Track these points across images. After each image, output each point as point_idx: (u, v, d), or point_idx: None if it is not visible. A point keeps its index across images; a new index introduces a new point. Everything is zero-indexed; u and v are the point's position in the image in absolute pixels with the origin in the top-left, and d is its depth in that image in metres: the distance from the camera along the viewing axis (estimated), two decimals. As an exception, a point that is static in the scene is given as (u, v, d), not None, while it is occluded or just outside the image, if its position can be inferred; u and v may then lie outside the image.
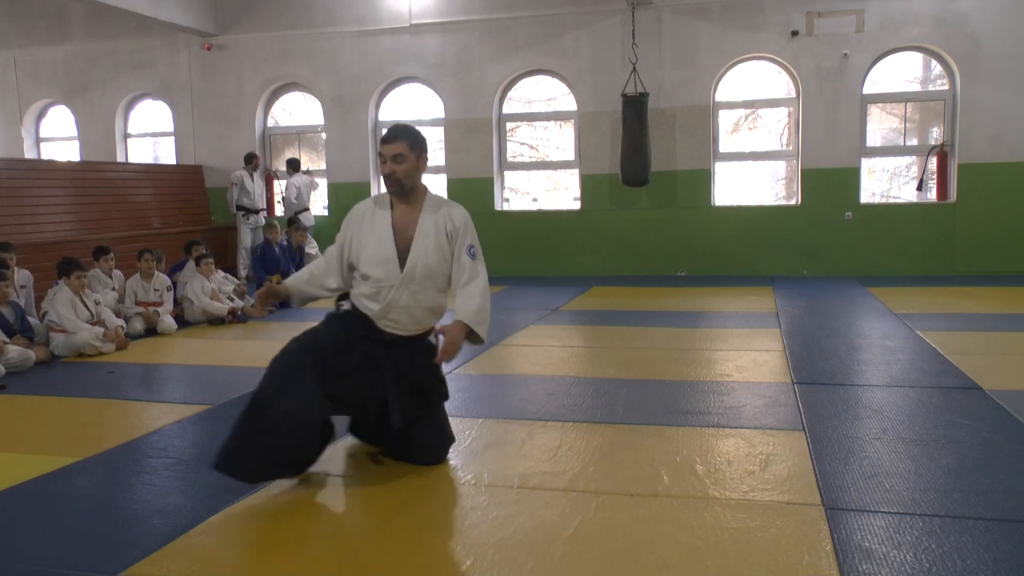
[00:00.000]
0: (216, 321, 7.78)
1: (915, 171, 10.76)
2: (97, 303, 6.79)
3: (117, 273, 7.80)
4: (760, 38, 10.45)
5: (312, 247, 10.86)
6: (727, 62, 10.63)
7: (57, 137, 13.35)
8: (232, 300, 8.12)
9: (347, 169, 11.89)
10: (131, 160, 12.86)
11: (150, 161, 13.05)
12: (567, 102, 11.38)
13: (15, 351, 5.91)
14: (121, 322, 6.92)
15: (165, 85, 12.42)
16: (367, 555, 2.79)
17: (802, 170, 10.55)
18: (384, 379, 3.46)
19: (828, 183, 10.45)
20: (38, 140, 13.38)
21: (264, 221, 11.33)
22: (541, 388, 5.02)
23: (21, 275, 7.11)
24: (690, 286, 9.92)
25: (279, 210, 12.00)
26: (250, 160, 11.18)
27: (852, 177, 10.45)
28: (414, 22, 11.35)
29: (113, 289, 7.63)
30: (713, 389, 4.89)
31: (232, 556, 2.83)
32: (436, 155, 11.92)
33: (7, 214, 8.68)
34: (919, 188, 10.51)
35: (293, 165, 11.43)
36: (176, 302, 7.87)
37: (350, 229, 3.70)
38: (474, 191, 11.48)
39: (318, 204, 12.12)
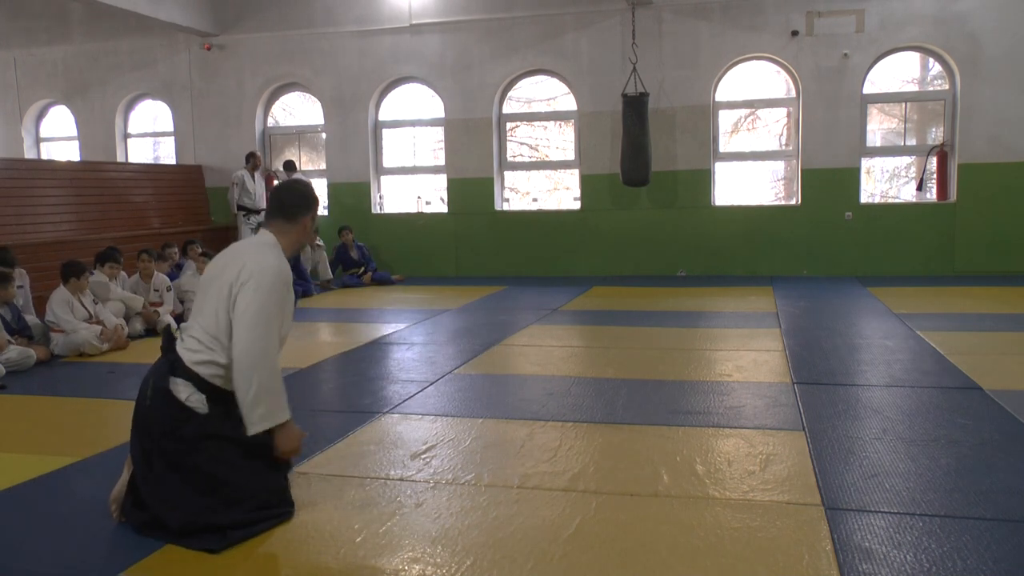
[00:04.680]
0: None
1: (915, 171, 10.76)
2: (95, 301, 6.80)
3: (123, 275, 7.77)
4: (760, 38, 10.45)
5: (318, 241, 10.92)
6: (727, 62, 10.63)
7: (57, 137, 13.35)
8: None
9: (347, 169, 11.89)
10: (131, 160, 12.86)
11: (150, 161, 13.05)
12: (567, 102, 11.37)
13: (15, 351, 5.91)
14: (121, 321, 6.92)
15: (165, 85, 12.42)
16: (367, 555, 2.78)
17: (802, 170, 10.55)
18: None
19: (828, 183, 10.45)
20: (38, 140, 13.38)
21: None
22: (541, 388, 5.02)
23: (17, 274, 7.10)
24: (690, 286, 9.92)
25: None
26: (250, 160, 11.18)
27: (852, 177, 10.44)
28: (414, 22, 11.35)
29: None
30: (713, 389, 4.89)
31: (232, 556, 2.82)
32: (436, 155, 11.94)
33: (7, 214, 8.67)
34: (919, 188, 10.51)
35: (290, 167, 11.44)
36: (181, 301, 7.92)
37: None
38: (474, 191, 11.49)
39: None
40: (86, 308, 6.63)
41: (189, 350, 3.06)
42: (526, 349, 6.32)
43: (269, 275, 3.07)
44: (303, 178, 3.29)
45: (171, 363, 3.06)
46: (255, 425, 3.04)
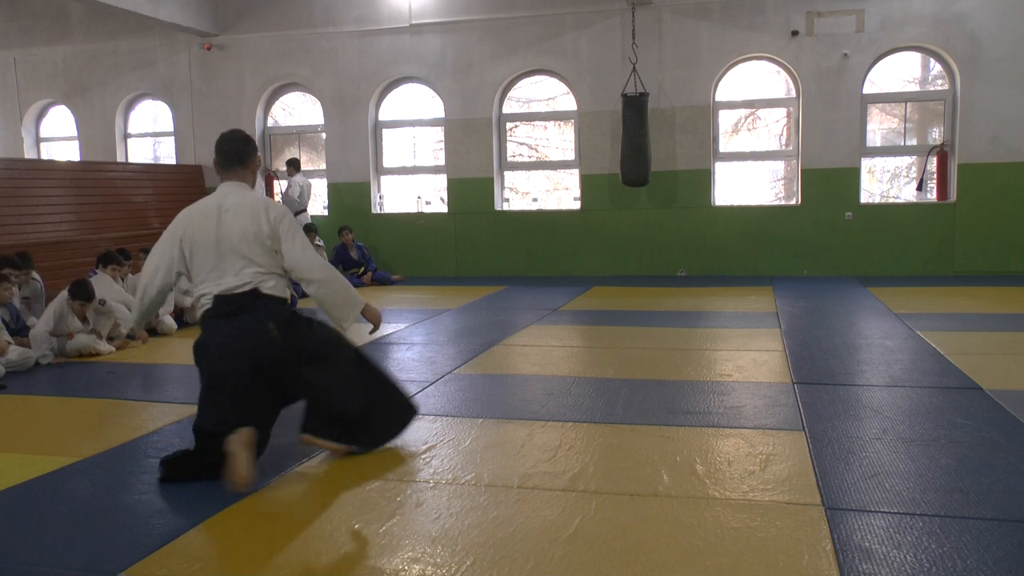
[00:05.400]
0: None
1: (915, 171, 10.76)
2: (102, 303, 6.69)
3: (132, 277, 7.71)
4: (760, 38, 10.45)
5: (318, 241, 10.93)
6: (727, 62, 10.63)
7: (57, 137, 13.35)
8: None
9: (347, 169, 11.89)
10: (131, 160, 12.86)
11: (150, 161, 13.05)
12: (567, 102, 11.38)
13: (15, 351, 5.90)
14: (127, 329, 6.78)
15: (165, 85, 12.42)
16: (367, 555, 2.79)
17: (802, 170, 10.55)
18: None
19: (828, 183, 10.45)
20: (38, 140, 13.38)
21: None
22: (541, 388, 5.02)
23: (31, 287, 7.09)
24: (690, 286, 9.92)
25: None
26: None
27: (852, 177, 10.45)
28: (414, 22, 11.35)
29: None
30: (713, 389, 4.89)
31: (232, 556, 2.82)
32: (436, 155, 11.94)
33: (7, 214, 8.68)
34: (919, 188, 10.51)
35: (294, 164, 11.45)
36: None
37: None
38: (474, 191, 11.49)
39: (318, 204, 12.13)
40: (86, 320, 6.55)
41: (275, 287, 3.58)
42: (526, 349, 6.32)
43: (287, 211, 3.70)
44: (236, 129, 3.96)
45: (275, 304, 3.56)
46: (350, 319, 3.75)
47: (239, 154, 3.70)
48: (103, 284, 7.06)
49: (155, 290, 3.67)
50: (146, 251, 7.75)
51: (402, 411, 3.93)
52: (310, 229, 10.83)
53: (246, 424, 3.41)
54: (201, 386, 3.59)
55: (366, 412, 3.73)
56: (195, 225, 3.55)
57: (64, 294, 6.47)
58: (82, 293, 6.43)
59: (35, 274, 7.25)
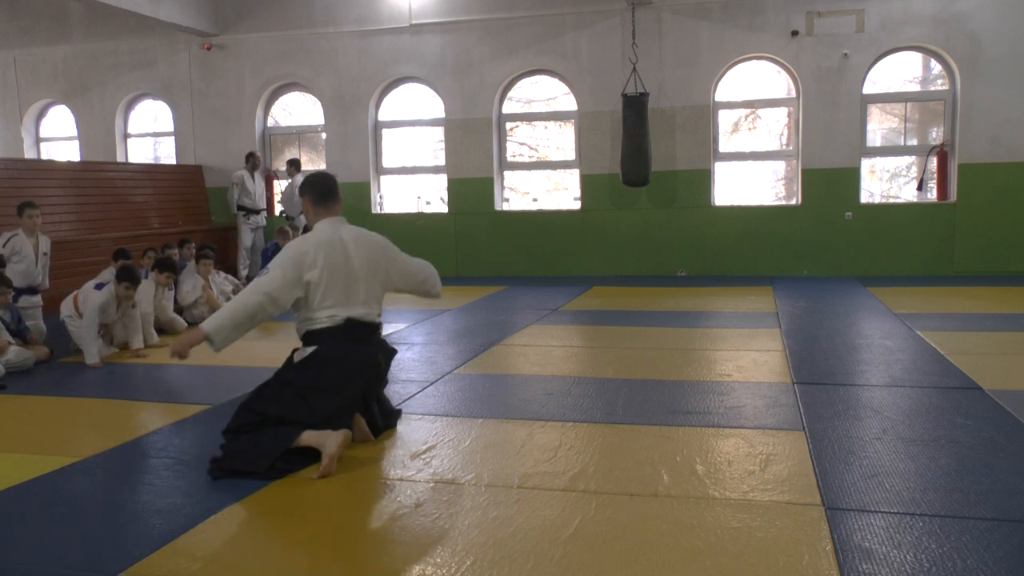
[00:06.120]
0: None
1: (915, 171, 10.76)
2: (133, 305, 6.53)
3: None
4: (760, 38, 10.45)
5: None
6: (727, 62, 10.63)
7: (57, 137, 13.35)
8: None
9: (347, 169, 11.88)
10: (131, 160, 12.86)
11: (150, 161, 13.05)
12: (567, 102, 11.37)
13: (13, 352, 5.89)
14: (140, 345, 6.55)
15: (165, 85, 12.42)
16: (367, 555, 2.79)
17: (802, 170, 10.56)
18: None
19: (828, 183, 10.45)
20: (38, 140, 13.38)
21: (264, 221, 11.37)
22: (541, 388, 5.02)
23: (43, 242, 7.16)
24: (690, 286, 9.92)
25: (279, 210, 11.97)
26: (250, 160, 11.18)
27: (852, 177, 10.45)
28: (414, 22, 11.35)
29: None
30: (713, 389, 4.89)
31: (232, 556, 2.82)
32: (436, 155, 11.94)
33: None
34: (919, 188, 10.51)
35: (295, 164, 11.44)
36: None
37: None
38: (474, 191, 11.49)
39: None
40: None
41: (381, 324, 4.07)
42: (526, 349, 6.32)
43: (385, 238, 4.18)
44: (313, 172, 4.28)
45: (384, 340, 4.11)
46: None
47: (335, 191, 4.06)
48: (145, 290, 6.73)
49: (253, 316, 3.80)
50: (153, 250, 7.74)
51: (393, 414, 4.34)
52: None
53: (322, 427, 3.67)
54: (290, 383, 3.77)
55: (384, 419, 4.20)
56: (325, 254, 3.82)
57: (109, 289, 6.24)
58: (130, 276, 6.28)
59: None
